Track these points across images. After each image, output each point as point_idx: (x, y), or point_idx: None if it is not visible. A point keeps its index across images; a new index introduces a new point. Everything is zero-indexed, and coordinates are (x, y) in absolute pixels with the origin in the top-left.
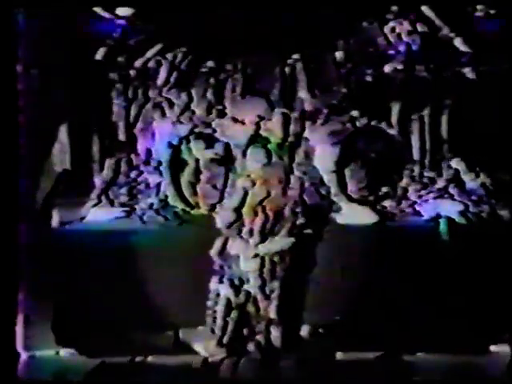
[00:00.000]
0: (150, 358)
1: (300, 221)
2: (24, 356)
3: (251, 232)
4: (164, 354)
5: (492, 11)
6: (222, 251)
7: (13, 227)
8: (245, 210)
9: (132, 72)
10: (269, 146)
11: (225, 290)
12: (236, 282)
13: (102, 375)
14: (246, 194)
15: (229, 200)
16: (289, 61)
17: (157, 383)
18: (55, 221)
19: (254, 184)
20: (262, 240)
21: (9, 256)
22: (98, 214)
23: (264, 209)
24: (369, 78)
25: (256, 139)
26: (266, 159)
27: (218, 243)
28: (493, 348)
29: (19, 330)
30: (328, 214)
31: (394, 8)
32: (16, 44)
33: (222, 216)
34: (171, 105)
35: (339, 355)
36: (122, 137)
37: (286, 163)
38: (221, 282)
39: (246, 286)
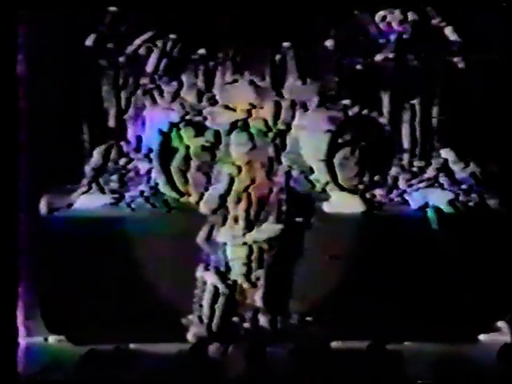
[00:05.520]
0: (138, 346)
1: (286, 208)
2: (22, 342)
3: (236, 219)
4: (153, 342)
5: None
6: (208, 238)
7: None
8: (230, 197)
9: (122, 59)
10: (251, 130)
11: (211, 278)
12: (222, 269)
13: (91, 362)
14: (232, 180)
15: (215, 186)
16: (280, 49)
17: (145, 370)
18: (44, 208)
19: (239, 170)
20: (248, 227)
21: (7, 244)
22: (87, 201)
23: (249, 195)
24: (360, 67)
25: (237, 125)
26: (250, 144)
27: (203, 230)
28: (481, 337)
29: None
30: (315, 202)
31: None
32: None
33: (207, 203)
34: (161, 92)
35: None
36: (112, 124)
37: (272, 149)
38: (207, 269)
39: (232, 274)
